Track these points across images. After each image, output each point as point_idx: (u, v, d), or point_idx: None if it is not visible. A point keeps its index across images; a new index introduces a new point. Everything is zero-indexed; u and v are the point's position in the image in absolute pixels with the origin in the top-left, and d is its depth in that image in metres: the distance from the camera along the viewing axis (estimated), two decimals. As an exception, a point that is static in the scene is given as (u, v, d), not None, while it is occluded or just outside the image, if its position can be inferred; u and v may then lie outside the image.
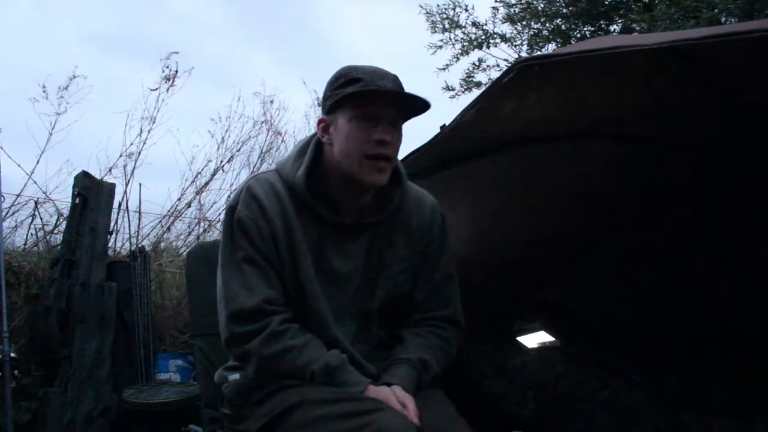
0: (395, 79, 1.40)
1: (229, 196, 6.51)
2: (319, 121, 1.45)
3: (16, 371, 3.42)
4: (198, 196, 6.40)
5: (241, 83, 11.30)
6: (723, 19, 4.59)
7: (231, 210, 1.44)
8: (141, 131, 5.94)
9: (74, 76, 5.51)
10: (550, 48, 6.41)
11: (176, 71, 6.05)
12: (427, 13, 6.90)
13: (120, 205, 5.31)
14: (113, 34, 10.51)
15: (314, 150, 1.45)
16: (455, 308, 1.57)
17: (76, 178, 4.18)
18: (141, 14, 10.76)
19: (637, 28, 5.22)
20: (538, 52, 6.23)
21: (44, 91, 5.39)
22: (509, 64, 1.85)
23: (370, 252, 1.47)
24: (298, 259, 1.42)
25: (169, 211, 6.10)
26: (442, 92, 6.85)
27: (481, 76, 6.97)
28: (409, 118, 1.44)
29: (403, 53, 11.85)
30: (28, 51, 9.21)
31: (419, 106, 1.40)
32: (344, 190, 1.44)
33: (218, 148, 6.73)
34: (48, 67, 9.04)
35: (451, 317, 1.56)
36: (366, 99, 1.36)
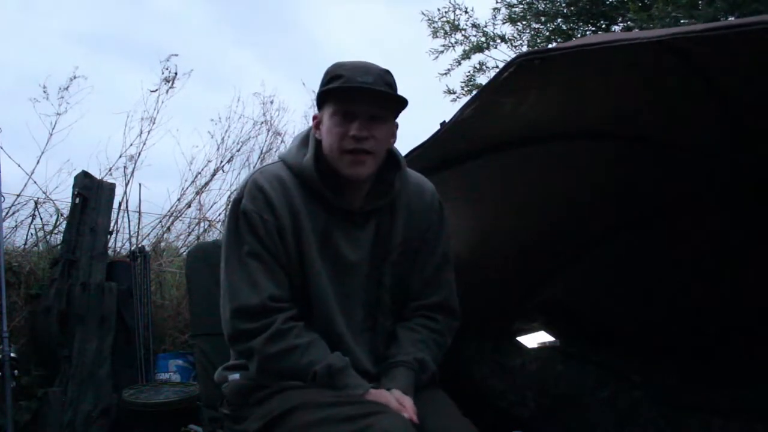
0: (381, 74, 1.40)
1: (229, 197, 6.56)
2: (314, 117, 1.47)
3: (16, 371, 3.42)
4: (198, 197, 6.41)
5: (227, 82, 11.30)
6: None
7: (236, 203, 1.43)
8: (141, 132, 5.96)
9: (74, 77, 5.53)
10: (550, 48, 6.40)
11: (176, 73, 6.07)
12: (429, 19, 6.93)
13: (120, 205, 5.32)
14: (99, 34, 10.54)
15: (315, 140, 1.46)
16: (450, 294, 1.57)
17: (76, 178, 4.19)
18: (125, 14, 10.78)
19: (635, 27, 5.23)
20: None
21: (45, 92, 5.41)
22: (509, 60, 1.85)
23: (376, 239, 1.48)
24: (304, 248, 1.42)
25: (169, 211, 6.11)
26: (444, 95, 6.87)
27: (482, 79, 6.99)
28: (396, 111, 1.45)
29: (388, 52, 11.91)
30: (15, 51, 9.24)
31: (399, 100, 1.41)
32: (342, 180, 1.44)
33: (218, 149, 6.74)
34: (34, 68, 9.07)
35: (445, 304, 1.56)
36: (343, 95, 1.38)
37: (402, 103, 1.42)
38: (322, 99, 1.42)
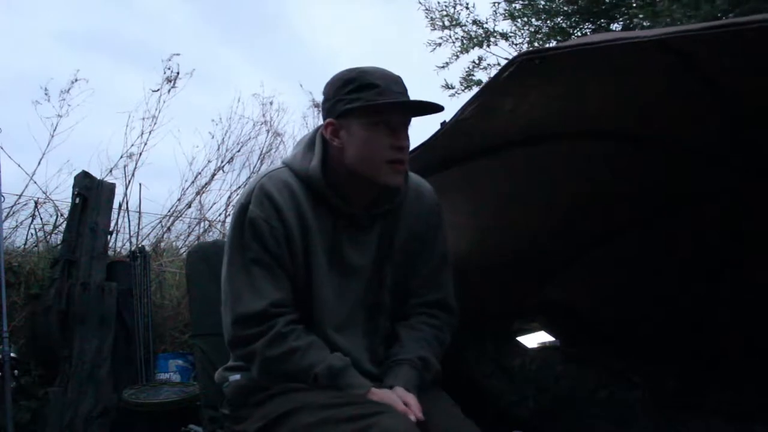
0: (401, 81, 1.42)
1: (230, 197, 6.56)
2: (328, 124, 1.43)
3: (16, 371, 3.43)
4: (198, 197, 6.41)
5: (215, 82, 11.21)
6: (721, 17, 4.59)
7: (243, 208, 1.42)
8: (142, 132, 5.96)
9: (76, 80, 5.54)
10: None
11: (177, 72, 6.08)
12: (426, 9, 6.86)
13: (120, 205, 5.32)
14: (86, 34, 10.51)
15: (322, 146, 1.45)
16: (448, 292, 1.58)
17: (76, 178, 4.18)
18: (110, 14, 10.73)
19: (639, 23, 5.21)
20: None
21: (46, 94, 5.42)
22: (509, 59, 1.85)
23: (380, 242, 1.49)
24: (312, 253, 1.42)
25: (169, 211, 6.12)
26: (442, 90, 6.81)
27: (481, 75, 6.94)
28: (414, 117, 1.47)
29: (378, 49, 11.88)
30: (3, 52, 9.24)
31: (428, 110, 1.42)
32: (353, 185, 1.44)
33: (218, 149, 6.75)
34: (22, 68, 9.05)
35: (444, 302, 1.57)
36: (385, 107, 1.38)
37: (438, 111, 1.43)
38: (354, 108, 1.38)
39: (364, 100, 1.36)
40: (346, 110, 1.39)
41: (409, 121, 1.43)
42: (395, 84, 1.39)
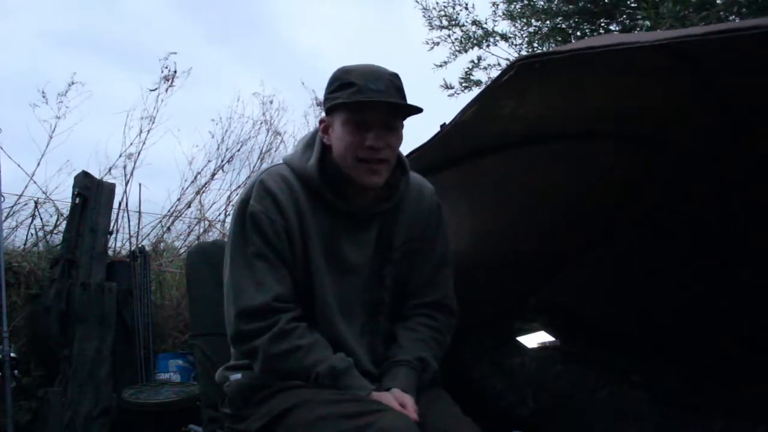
0: (392, 80, 1.40)
1: (230, 196, 6.56)
2: (321, 122, 1.47)
3: (16, 371, 3.42)
4: (198, 196, 6.41)
5: (204, 81, 11.18)
6: (731, 18, 4.58)
7: (243, 204, 1.44)
8: (141, 131, 5.96)
9: (73, 82, 5.54)
10: (549, 47, 6.37)
11: (174, 71, 6.06)
12: (424, 8, 6.83)
13: (120, 205, 5.32)
14: (72, 34, 10.49)
15: (320, 144, 1.47)
16: (447, 293, 1.59)
17: (76, 178, 4.19)
18: (94, 13, 10.69)
19: (645, 23, 5.20)
20: (537, 51, 6.16)
21: (44, 96, 5.42)
22: (509, 62, 1.85)
23: (378, 241, 1.49)
24: (310, 249, 1.43)
25: (169, 211, 6.11)
26: (440, 90, 6.79)
27: (480, 75, 6.93)
28: (406, 117, 1.45)
29: (370, 48, 11.86)
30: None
31: (412, 108, 1.42)
32: (348, 183, 1.45)
33: (218, 148, 6.74)
34: (15, 68, 9.02)
35: (443, 302, 1.57)
36: (357, 105, 1.38)
37: (416, 112, 1.42)
38: (332, 107, 1.41)
39: (341, 99, 1.38)
40: (329, 108, 1.42)
41: (394, 120, 1.41)
42: (375, 82, 1.37)
